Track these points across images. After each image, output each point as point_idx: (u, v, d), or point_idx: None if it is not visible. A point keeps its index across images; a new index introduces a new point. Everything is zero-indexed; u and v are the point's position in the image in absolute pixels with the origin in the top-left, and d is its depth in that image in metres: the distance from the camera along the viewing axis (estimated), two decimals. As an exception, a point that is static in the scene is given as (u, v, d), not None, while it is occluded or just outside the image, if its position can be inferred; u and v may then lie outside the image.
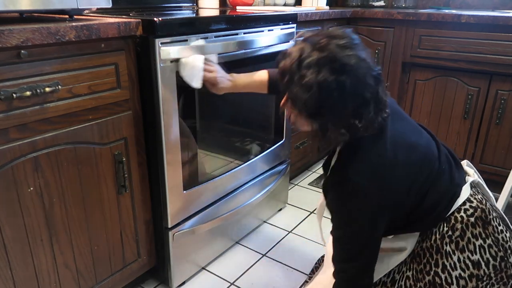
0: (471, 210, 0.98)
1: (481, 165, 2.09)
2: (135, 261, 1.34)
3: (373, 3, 2.69)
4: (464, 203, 0.99)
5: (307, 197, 2.12)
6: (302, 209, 2.00)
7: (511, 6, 2.40)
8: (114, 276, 1.27)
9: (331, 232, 1.01)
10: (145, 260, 1.37)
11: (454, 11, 2.16)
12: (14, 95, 0.89)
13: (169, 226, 1.34)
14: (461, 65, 2.01)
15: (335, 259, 1.00)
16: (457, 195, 1.00)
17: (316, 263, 1.47)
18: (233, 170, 1.55)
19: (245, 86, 1.30)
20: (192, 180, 1.38)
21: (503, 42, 1.88)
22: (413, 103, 2.21)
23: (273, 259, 1.63)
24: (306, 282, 1.45)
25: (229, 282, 1.50)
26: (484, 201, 1.01)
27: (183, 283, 1.49)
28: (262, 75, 1.28)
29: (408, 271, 1.02)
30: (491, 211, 1.00)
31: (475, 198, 1.00)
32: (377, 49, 2.23)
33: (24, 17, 1.09)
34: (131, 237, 1.29)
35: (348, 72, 0.80)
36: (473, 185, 1.05)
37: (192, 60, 1.18)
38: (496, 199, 1.67)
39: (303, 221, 1.89)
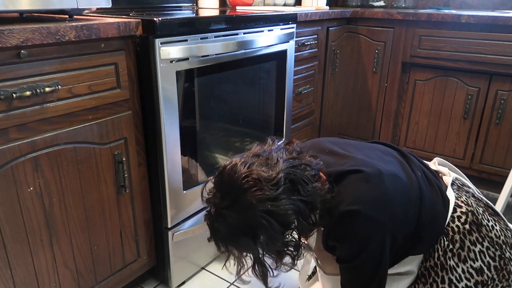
0: (464, 217, 0.98)
1: (481, 165, 2.09)
2: (135, 261, 1.34)
3: (373, 3, 2.69)
4: (454, 210, 0.99)
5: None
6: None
7: (511, 6, 2.40)
8: (114, 276, 1.27)
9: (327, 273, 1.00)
10: (145, 260, 1.37)
11: (454, 11, 2.16)
12: (14, 95, 0.89)
13: (169, 226, 1.34)
14: (461, 65, 2.01)
15: None
16: (447, 200, 1.01)
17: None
18: (233, 170, 1.55)
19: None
20: (192, 180, 1.38)
21: (503, 42, 1.88)
22: (413, 103, 2.22)
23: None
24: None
25: (229, 282, 1.50)
26: (470, 202, 1.01)
27: (183, 283, 1.49)
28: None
29: None
30: (479, 211, 1.00)
31: (462, 202, 1.00)
32: (377, 49, 2.23)
33: (24, 17, 1.09)
34: (131, 237, 1.29)
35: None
36: (453, 184, 1.05)
37: None
38: (496, 199, 1.67)
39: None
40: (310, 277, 1.43)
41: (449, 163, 1.16)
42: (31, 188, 0.98)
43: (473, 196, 1.07)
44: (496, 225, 1.02)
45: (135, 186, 1.25)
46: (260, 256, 0.88)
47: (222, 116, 1.48)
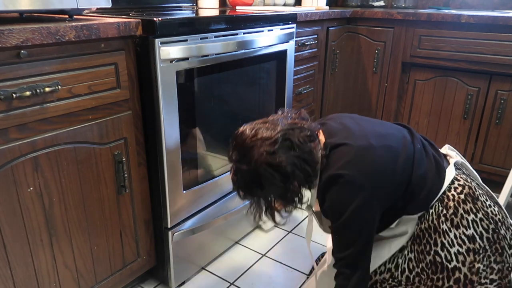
0: (460, 188, 1.05)
1: (480, 165, 2.09)
2: (135, 261, 1.34)
3: (373, 3, 2.69)
4: (452, 182, 1.06)
5: (307, 196, 2.11)
6: (302, 208, 1.99)
7: (511, 6, 2.40)
8: (114, 276, 1.27)
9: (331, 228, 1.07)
10: (145, 260, 1.37)
11: (454, 11, 2.16)
12: (14, 95, 0.89)
13: (169, 226, 1.34)
14: (461, 65, 2.01)
15: (334, 252, 1.06)
16: (443, 171, 1.07)
17: (316, 259, 1.48)
18: (233, 170, 1.55)
19: None
20: (192, 180, 1.38)
21: (503, 42, 1.88)
22: (413, 103, 2.22)
23: (273, 259, 1.63)
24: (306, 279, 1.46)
25: (229, 282, 1.50)
26: (469, 180, 1.08)
27: (183, 283, 1.49)
28: None
29: (410, 253, 1.07)
30: (477, 189, 1.07)
31: (461, 177, 1.08)
32: (377, 49, 2.24)
33: (24, 17, 1.09)
34: (130, 237, 1.29)
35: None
36: (457, 166, 1.12)
37: None
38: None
39: (303, 221, 1.89)
40: (311, 271, 1.45)
41: (458, 152, 1.21)
42: (31, 188, 0.98)
43: (477, 183, 1.12)
44: (494, 207, 1.07)
45: (135, 186, 1.25)
46: (269, 200, 1.08)
47: (222, 116, 1.48)
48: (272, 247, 1.70)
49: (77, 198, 1.09)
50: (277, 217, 1.13)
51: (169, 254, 1.38)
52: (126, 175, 1.20)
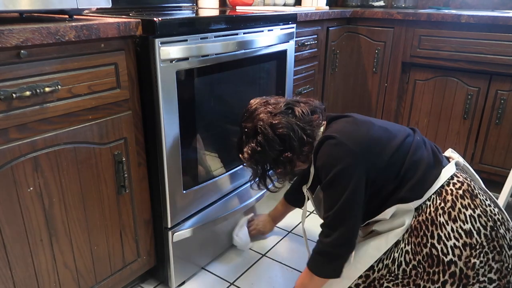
0: (459, 184, 1.07)
1: (480, 165, 2.09)
2: (135, 261, 1.34)
3: (373, 3, 2.69)
4: (452, 178, 1.08)
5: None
6: (301, 208, 1.99)
7: (511, 6, 2.40)
8: (114, 276, 1.27)
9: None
10: (145, 260, 1.37)
11: (454, 11, 2.16)
12: (14, 95, 0.89)
13: (169, 226, 1.34)
14: (461, 65, 2.01)
15: (323, 225, 1.12)
16: (440, 164, 1.10)
17: None
18: (233, 170, 1.55)
19: (278, 214, 1.69)
20: (192, 180, 1.38)
21: (503, 42, 1.88)
22: (412, 103, 2.22)
23: (273, 259, 1.63)
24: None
25: (229, 282, 1.50)
26: (469, 179, 1.10)
27: (183, 283, 1.49)
28: (281, 201, 1.65)
29: (407, 246, 1.07)
30: (475, 187, 1.08)
31: (461, 175, 1.10)
32: (377, 49, 2.24)
33: (24, 17, 1.09)
34: (130, 237, 1.29)
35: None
36: (459, 167, 1.15)
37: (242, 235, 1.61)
38: (496, 199, 1.67)
39: (303, 221, 1.89)
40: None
41: (460, 155, 1.23)
42: (31, 188, 0.98)
43: (478, 186, 1.12)
44: (494, 208, 1.07)
45: (135, 186, 1.25)
46: (265, 168, 1.22)
47: (222, 116, 1.48)
48: (272, 247, 1.70)
49: (77, 198, 1.09)
50: (270, 185, 1.28)
51: (169, 254, 1.38)
52: (126, 175, 1.20)
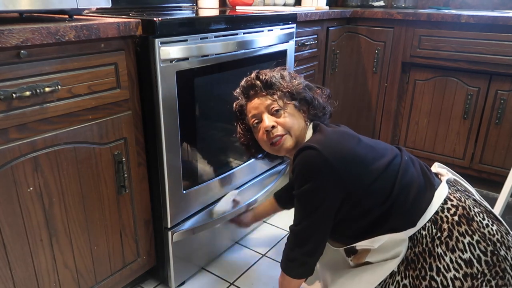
0: (453, 209, 1.01)
1: (480, 165, 2.09)
2: (135, 261, 1.34)
3: (373, 3, 2.69)
4: (445, 202, 1.02)
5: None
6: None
7: (511, 6, 2.40)
8: (114, 276, 1.27)
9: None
10: (145, 260, 1.37)
11: (453, 11, 2.16)
12: (14, 95, 0.89)
13: (169, 226, 1.34)
14: (461, 65, 2.01)
15: (292, 231, 1.11)
16: (432, 186, 1.04)
17: None
18: (233, 170, 1.55)
19: (262, 212, 1.61)
20: (192, 180, 1.38)
21: (503, 42, 1.88)
22: (412, 103, 2.22)
23: (273, 259, 1.63)
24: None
25: (228, 282, 1.50)
26: (463, 199, 1.03)
27: (183, 283, 1.49)
28: (270, 199, 1.57)
29: (404, 279, 1.02)
30: (471, 208, 1.02)
31: (454, 197, 1.03)
32: (377, 49, 2.24)
33: (24, 17, 1.09)
34: (130, 237, 1.29)
35: None
36: (451, 184, 1.09)
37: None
38: (496, 199, 1.67)
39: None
40: None
41: (449, 169, 1.19)
42: (31, 188, 0.98)
43: (474, 199, 1.07)
44: (493, 226, 1.01)
45: (135, 186, 1.25)
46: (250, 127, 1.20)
47: (222, 116, 1.48)
48: (272, 247, 1.70)
49: (77, 198, 1.09)
50: (253, 152, 1.28)
51: (169, 254, 1.38)
52: (126, 175, 1.20)
